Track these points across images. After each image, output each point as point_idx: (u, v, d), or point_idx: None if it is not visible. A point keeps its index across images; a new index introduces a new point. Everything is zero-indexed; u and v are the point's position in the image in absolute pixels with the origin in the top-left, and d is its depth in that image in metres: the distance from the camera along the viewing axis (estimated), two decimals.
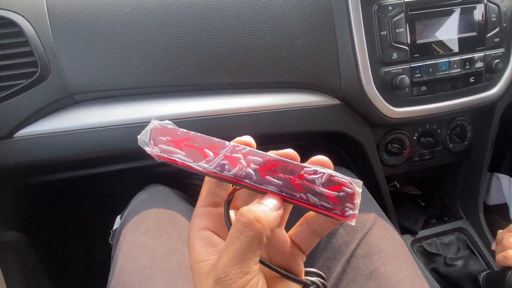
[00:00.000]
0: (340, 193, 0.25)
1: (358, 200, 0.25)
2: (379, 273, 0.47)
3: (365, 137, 0.65)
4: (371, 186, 0.65)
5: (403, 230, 0.75)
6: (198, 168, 0.28)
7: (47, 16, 0.53)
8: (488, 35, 0.61)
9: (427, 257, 0.71)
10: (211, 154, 0.28)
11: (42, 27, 0.53)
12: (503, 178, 0.77)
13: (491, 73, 0.63)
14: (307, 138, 0.69)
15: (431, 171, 0.87)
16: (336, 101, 0.61)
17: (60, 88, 0.54)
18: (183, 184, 1.03)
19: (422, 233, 0.75)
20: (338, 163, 0.68)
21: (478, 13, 0.60)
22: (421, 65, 0.59)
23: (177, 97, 0.58)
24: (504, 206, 0.76)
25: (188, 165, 0.28)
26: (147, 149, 0.30)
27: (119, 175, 0.74)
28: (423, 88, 0.60)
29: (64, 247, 0.91)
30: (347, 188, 0.25)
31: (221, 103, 0.57)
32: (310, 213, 0.29)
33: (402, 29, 0.57)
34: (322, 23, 0.57)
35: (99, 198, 0.84)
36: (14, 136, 0.54)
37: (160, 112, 0.56)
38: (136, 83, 0.56)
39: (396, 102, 0.60)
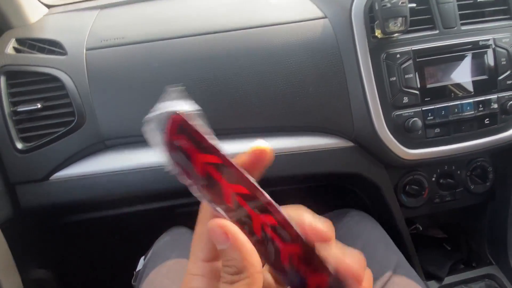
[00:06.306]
0: None
1: None
2: None
3: (381, 179, 0.65)
4: (391, 228, 0.65)
5: (427, 275, 0.72)
6: (214, 212, 0.22)
7: (86, 72, 0.60)
8: (500, 78, 0.62)
9: None
10: (236, 201, 0.21)
11: (81, 81, 0.59)
12: None
13: (506, 115, 0.63)
14: (324, 180, 0.71)
15: (456, 213, 0.84)
16: (350, 143, 0.62)
17: (93, 135, 0.60)
18: None
19: (448, 280, 0.71)
20: (356, 205, 0.68)
21: (487, 58, 0.62)
22: (433, 108, 0.60)
23: None
24: None
25: (202, 200, 0.22)
26: (156, 144, 0.21)
27: (143, 215, 0.77)
28: (437, 130, 0.61)
29: (90, 286, 0.93)
30: None
31: (239, 147, 0.60)
32: None
33: (411, 75, 0.59)
34: (333, 72, 0.60)
35: (124, 237, 0.87)
36: (50, 178, 0.60)
37: None
38: None
39: (410, 144, 0.61)
